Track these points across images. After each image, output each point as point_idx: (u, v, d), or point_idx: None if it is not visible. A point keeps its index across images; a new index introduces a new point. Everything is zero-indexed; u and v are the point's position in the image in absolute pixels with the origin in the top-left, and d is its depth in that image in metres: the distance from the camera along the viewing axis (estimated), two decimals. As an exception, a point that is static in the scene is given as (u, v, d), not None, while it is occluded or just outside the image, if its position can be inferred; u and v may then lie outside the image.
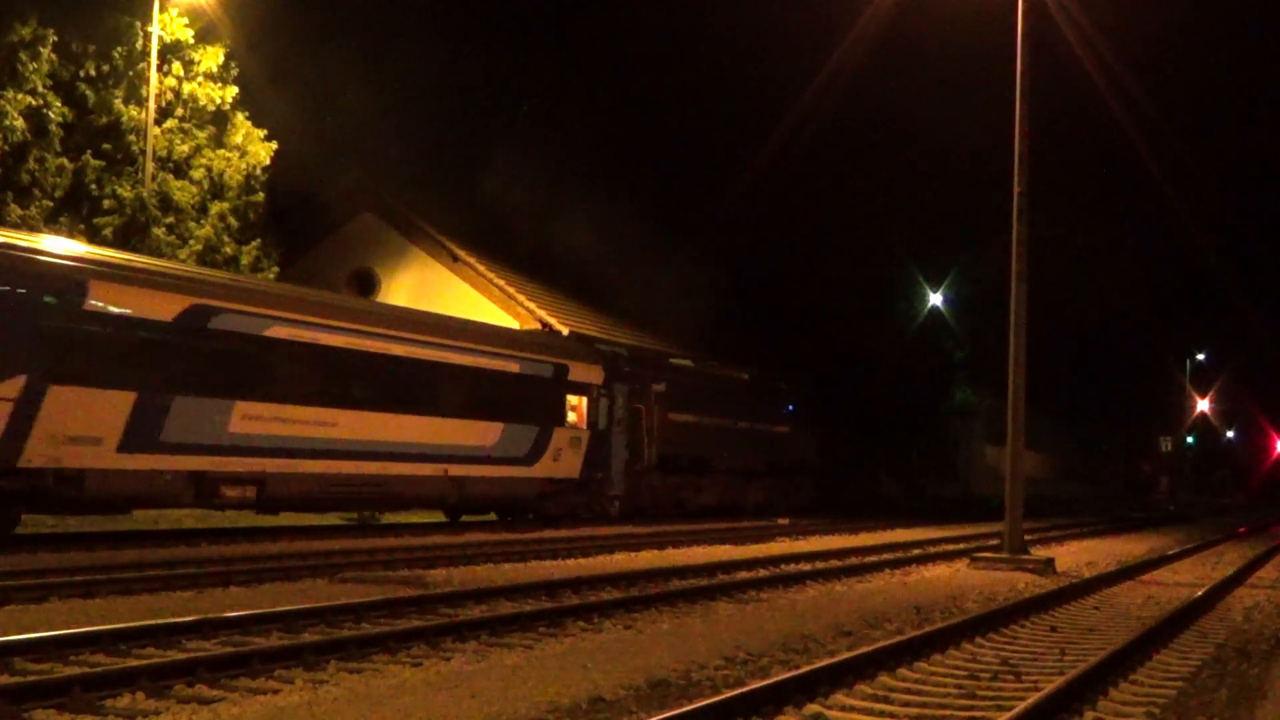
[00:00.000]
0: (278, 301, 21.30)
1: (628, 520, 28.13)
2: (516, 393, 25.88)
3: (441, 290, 34.89)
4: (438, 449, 23.66)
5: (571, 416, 27.55)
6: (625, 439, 29.26)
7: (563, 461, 27.04)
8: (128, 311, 17.91)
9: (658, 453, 30.36)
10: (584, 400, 27.97)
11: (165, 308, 18.59)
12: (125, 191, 26.25)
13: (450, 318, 27.45)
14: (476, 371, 24.88)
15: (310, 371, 21.07)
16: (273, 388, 20.30)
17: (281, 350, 20.47)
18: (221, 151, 28.25)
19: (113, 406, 17.56)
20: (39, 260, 17.08)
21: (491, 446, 25.11)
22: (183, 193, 27.36)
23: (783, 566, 18.78)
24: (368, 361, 22.20)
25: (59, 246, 18.32)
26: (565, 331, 34.41)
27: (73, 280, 17.24)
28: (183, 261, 25.21)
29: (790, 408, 39.24)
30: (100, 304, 17.52)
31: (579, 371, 28.08)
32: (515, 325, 33.61)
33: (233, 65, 28.54)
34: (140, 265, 19.55)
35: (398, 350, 22.92)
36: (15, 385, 16.19)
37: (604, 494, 28.76)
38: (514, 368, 26.13)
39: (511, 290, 35.45)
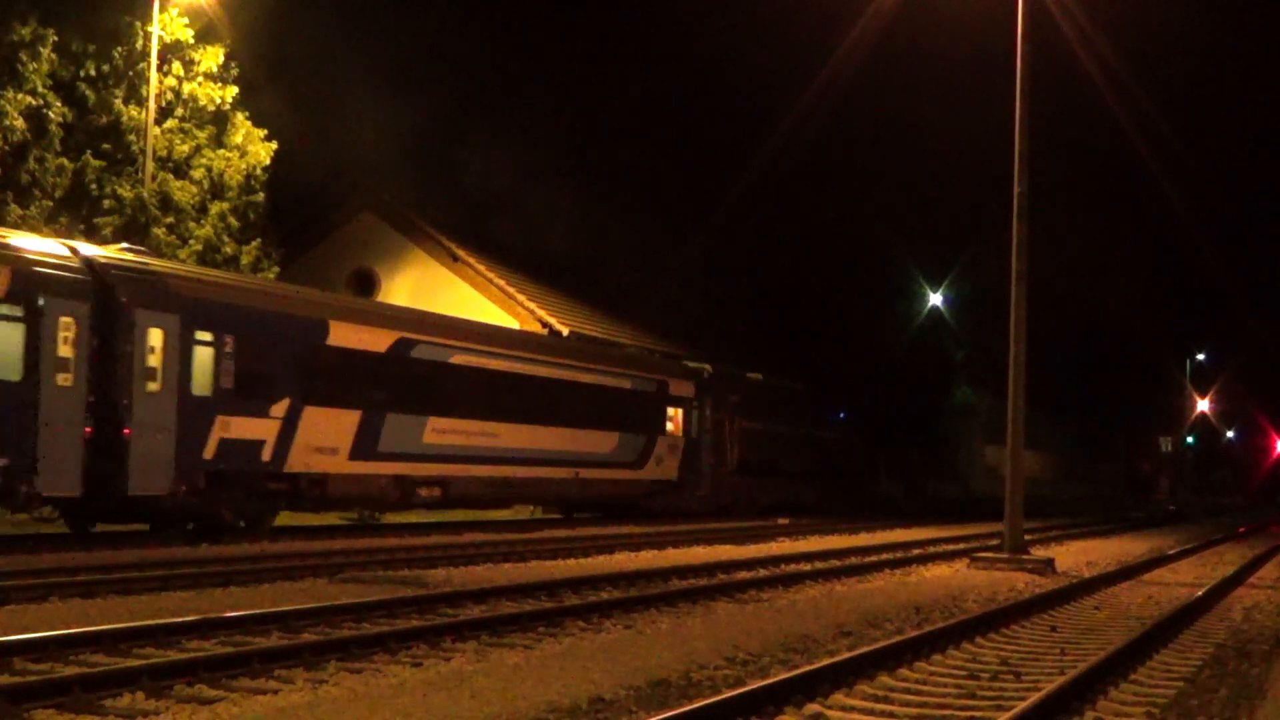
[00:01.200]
0: (457, 333, 25.59)
1: (713, 516, 31.88)
2: (629, 406, 30.27)
3: (441, 290, 34.89)
4: (571, 455, 27.88)
5: (670, 426, 31.94)
6: (712, 445, 33.39)
7: (664, 465, 31.53)
8: (354, 345, 22.15)
9: (737, 457, 34.66)
10: (680, 412, 32.32)
11: (380, 341, 22.83)
12: (125, 191, 26.24)
13: (579, 343, 32.82)
14: (599, 389, 29.23)
15: (480, 391, 25.17)
16: (454, 405, 24.42)
17: (461, 374, 24.69)
18: (221, 151, 28.24)
19: (345, 423, 21.79)
20: (299, 304, 21.83)
21: (609, 453, 29.42)
22: (183, 193, 27.34)
23: (783, 566, 18.78)
24: (520, 382, 26.38)
25: (308, 293, 23.53)
26: (565, 332, 34.44)
27: (319, 321, 21.62)
28: (183, 261, 25.22)
29: (841, 415, 44.02)
30: (337, 340, 21.74)
31: (676, 386, 32.44)
32: (515, 325, 33.64)
33: (233, 65, 28.53)
34: (362, 306, 24.98)
35: (542, 372, 27.17)
36: (282, 407, 20.39)
37: (695, 493, 32.75)
38: (626, 384, 30.45)
39: (511, 290, 35.46)
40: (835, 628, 11.76)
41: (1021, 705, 7.88)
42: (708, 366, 34.68)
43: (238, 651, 9.14)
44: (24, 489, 16.78)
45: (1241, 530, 39.10)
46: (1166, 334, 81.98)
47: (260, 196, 28.97)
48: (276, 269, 29.17)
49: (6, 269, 16.76)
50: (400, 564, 16.56)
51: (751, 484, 35.51)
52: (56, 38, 25.16)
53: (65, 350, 17.19)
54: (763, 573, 17.36)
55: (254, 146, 28.68)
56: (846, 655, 9.50)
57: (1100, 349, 77.84)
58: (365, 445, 22.12)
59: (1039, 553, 21.96)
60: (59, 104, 25.26)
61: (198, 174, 27.85)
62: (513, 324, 33.70)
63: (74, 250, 18.44)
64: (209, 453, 19.14)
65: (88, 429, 17.35)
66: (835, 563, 19.66)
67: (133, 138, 26.82)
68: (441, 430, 23.87)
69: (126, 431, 17.80)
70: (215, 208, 27.85)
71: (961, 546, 24.48)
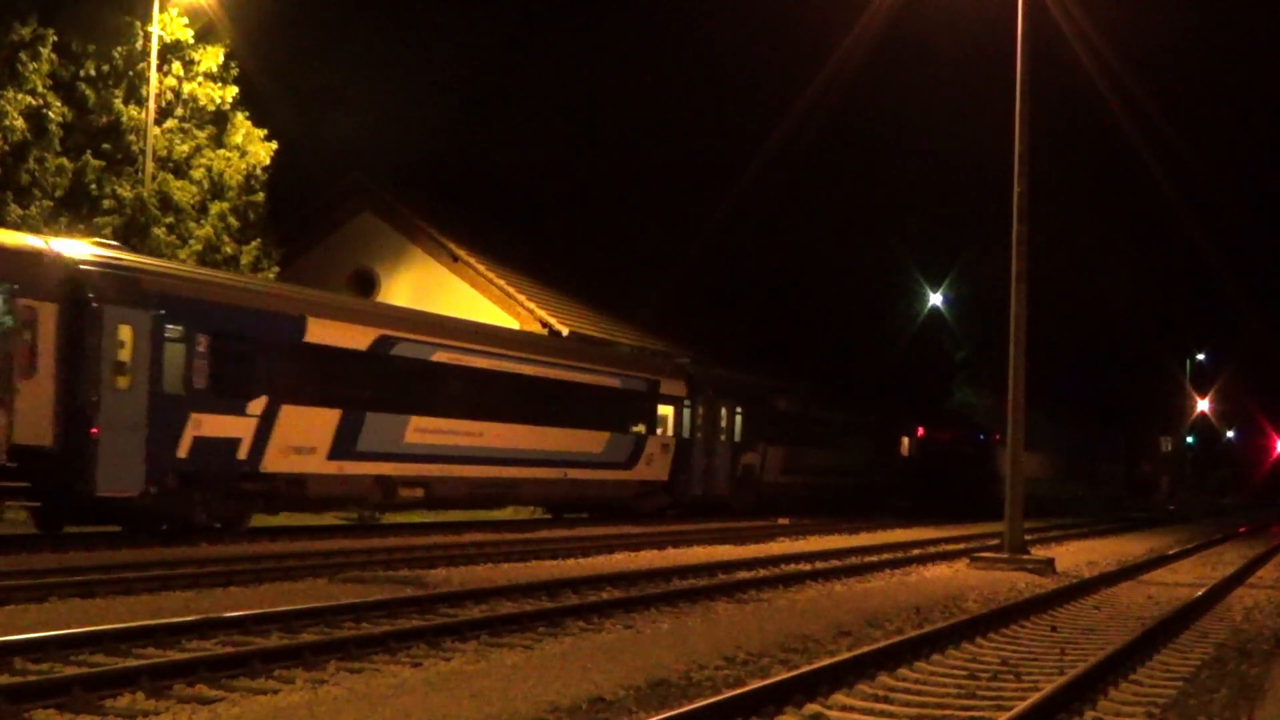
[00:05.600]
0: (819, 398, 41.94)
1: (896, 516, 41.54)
2: (884, 436, 45.54)
3: (441, 290, 34.85)
4: (848, 468, 41.58)
5: (900, 449, 47.47)
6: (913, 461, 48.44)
7: (896, 472, 46.27)
8: (784, 407, 36.98)
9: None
10: (905, 438, 47.63)
11: (792, 406, 37.96)
12: (125, 191, 26.22)
13: (863, 399, 46.62)
14: (869, 425, 44.06)
15: (824, 431, 40.32)
16: (807, 438, 38.97)
17: (815, 420, 40.23)
18: (221, 151, 28.22)
19: (779, 453, 36.21)
20: (768, 389, 36.80)
21: (869, 465, 43.25)
22: (183, 193, 27.32)
23: (783, 566, 18.77)
24: (831, 424, 41.54)
25: (758, 378, 38.02)
26: (565, 332, 34.44)
27: (771, 395, 36.46)
28: (182, 262, 25.21)
29: (980, 436, 52.54)
30: (778, 406, 36.56)
31: (902, 422, 47.64)
32: (515, 325, 33.63)
33: (233, 65, 28.52)
34: (777, 385, 38.43)
35: (838, 418, 41.89)
36: (761, 447, 35.09)
37: (903, 495, 46.17)
38: (878, 421, 45.14)
39: (511, 290, 35.43)
40: (835, 628, 11.77)
41: (1021, 705, 7.88)
42: (910, 408, 49.38)
43: (238, 651, 9.14)
44: (677, 492, 31.10)
45: (1241, 530, 39.11)
46: (1166, 334, 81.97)
47: (260, 196, 28.94)
48: (276, 269, 29.15)
49: (683, 381, 31.64)
50: (400, 564, 16.55)
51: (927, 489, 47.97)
52: (56, 38, 25.14)
53: (688, 420, 31.51)
54: (763, 573, 17.36)
55: (254, 146, 28.66)
56: (846, 655, 9.50)
57: (1100, 349, 77.82)
58: (781, 466, 36.47)
59: (1039, 553, 21.96)
60: (59, 104, 25.24)
61: (198, 174, 27.83)
62: (513, 324, 33.68)
63: (685, 369, 32.57)
64: (738, 471, 33.87)
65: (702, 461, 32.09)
66: (835, 563, 19.66)
67: (133, 138, 26.80)
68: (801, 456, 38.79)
69: (712, 461, 32.46)
70: (215, 208, 27.82)
71: (961, 546, 24.48)
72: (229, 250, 27.75)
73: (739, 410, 33.80)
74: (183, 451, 18.40)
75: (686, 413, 31.50)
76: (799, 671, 8.66)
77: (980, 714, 8.15)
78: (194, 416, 18.57)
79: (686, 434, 31.38)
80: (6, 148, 24.34)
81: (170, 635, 9.85)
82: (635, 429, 29.85)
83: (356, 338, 21.74)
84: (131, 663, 8.67)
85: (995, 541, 22.44)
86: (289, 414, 20.04)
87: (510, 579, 14.97)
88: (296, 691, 8.23)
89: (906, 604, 14.14)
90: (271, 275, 28.28)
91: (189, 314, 18.67)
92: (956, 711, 8.27)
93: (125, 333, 17.59)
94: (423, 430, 22.89)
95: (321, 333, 20.94)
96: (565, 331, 34.49)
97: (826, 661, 9.21)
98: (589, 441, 27.84)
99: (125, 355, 17.58)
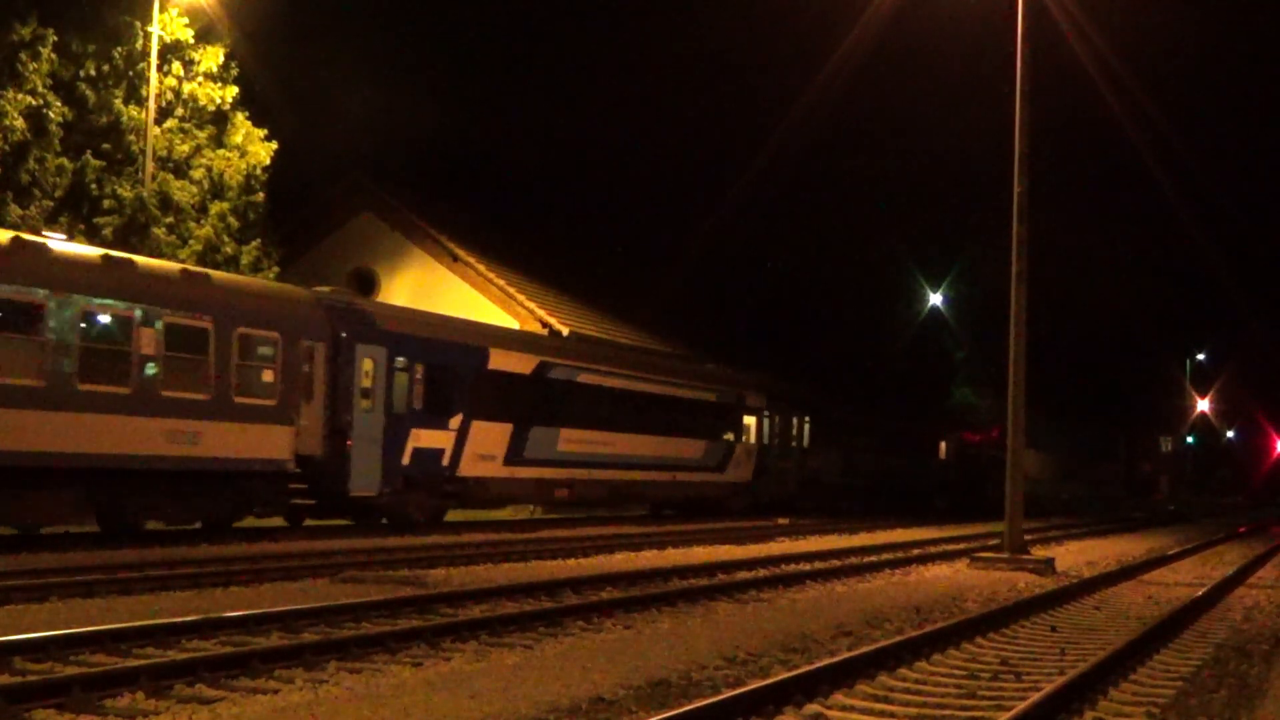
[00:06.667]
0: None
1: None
2: (924, 442, 50.13)
3: (441, 290, 34.84)
4: (902, 473, 46.90)
5: (938, 452, 50.87)
6: (950, 464, 52.10)
7: (935, 474, 49.08)
8: (840, 416, 41.85)
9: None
10: (942, 442, 50.61)
11: (847, 414, 43.21)
12: (125, 191, 26.21)
13: (896, 414, 50.22)
14: (918, 431, 48.98)
15: (874, 436, 45.17)
16: (860, 443, 43.95)
17: (866, 426, 45.55)
18: (221, 151, 28.21)
19: (837, 457, 41.11)
20: (828, 399, 41.03)
21: (908, 469, 47.29)
22: (183, 193, 27.31)
23: (783, 566, 18.78)
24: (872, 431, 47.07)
25: (818, 389, 42.19)
26: (565, 331, 34.43)
27: (830, 404, 41.34)
28: (183, 261, 25.21)
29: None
30: (836, 414, 40.98)
31: (938, 425, 51.85)
32: (515, 325, 33.64)
33: (233, 65, 28.50)
34: (835, 395, 42.80)
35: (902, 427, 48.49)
36: (824, 452, 39.38)
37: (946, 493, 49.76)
38: (921, 427, 49.86)
39: (511, 290, 35.41)
40: (835, 628, 11.77)
41: (1021, 705, 7.88)
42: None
43: (238, 651, 9.14)
44: (758, 492, 35.02)
45: (1241, 530, 39.10)
46: (1166, 334, 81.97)
47: (260, 196, 28.92)
48: (276, 269, 29.13)
49: (762, 394, 35.60)
50: (400, 564, 16.55)
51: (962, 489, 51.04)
52: (56, 38, 25.12)
53: (767, 428, 35.69)
54: (763, 573, 17.35)
55: (254, 146, 28.65)
56: (846, 655, 9.50)
57: (1100, 349, 77.79)
58: (844, 469, 42.12)
59: (1039, 553, 21.95)
60: (59, 104, 25.23)
61: (198, 174, 27.81)
62: (512, 324, 33.68)
63: (763, 383, 36.43)
64: (805, 473, 38.24)
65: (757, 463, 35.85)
66: (835, 563, 19.65)
67: (133, 138, 26.79)
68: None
69: (786, 464, 37.11)
70: (215, 208, 27.81)
71: (961, 546, 24.47)
72: (229, 250, 27.73)
73: (806, 419, 38.49)
74: (406, 460, 22.75)
75: (766, 422, 36.05)
76: (799, 671, 8.65)
77: (980, 714, 8.15)
78: (414, 431, 22.94)
79: (766, 440, 35.95)
80: (6, 148, 24.33)
81: (170, 635, 9.85)
82: (726, 437, 34.21)
83: (523, 364, 26.44)
84: (131, 663, 8.67)
85: (995, 541, 22.44)
86: (477, 428, 24.65)
87: (510, 579, 14.97)
88: (296, 691, 8.23)
89: (906, 604, 14.14)
90: (272, 275, 28.27)
91: (409, 348, 23.02)
92: (956, 711, 8.27)
93: (368, 364, 21.88)
94: (570, 440, 27.49)
95: (500, 360, 25.67)
96: (565, 331, 34.49)
97: (826, 661, 9.21)
98: (692, 448, 32.48)
99: (368, 382, 21.87)
